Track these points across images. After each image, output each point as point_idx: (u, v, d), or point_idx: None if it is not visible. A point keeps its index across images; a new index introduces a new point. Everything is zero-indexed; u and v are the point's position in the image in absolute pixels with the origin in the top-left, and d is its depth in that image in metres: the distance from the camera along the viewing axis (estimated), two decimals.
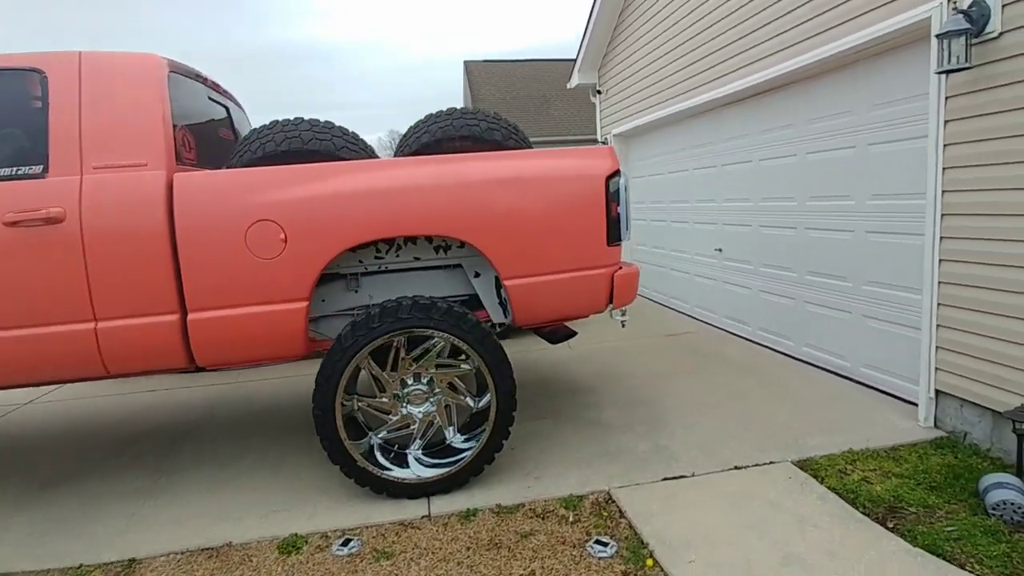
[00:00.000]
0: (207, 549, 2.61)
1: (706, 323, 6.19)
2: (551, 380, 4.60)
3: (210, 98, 3.55)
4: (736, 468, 2.99)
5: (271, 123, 3.06)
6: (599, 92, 8.64)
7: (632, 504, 2.71)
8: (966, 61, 2.92)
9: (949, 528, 2.38)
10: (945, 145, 3.10)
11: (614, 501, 2.77)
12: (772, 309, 5.04)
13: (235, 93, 4.09)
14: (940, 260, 3.13)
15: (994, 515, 2.44)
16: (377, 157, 3.20)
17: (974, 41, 2.92)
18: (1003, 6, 2.81)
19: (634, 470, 3.03)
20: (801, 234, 4.57)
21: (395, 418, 2.98)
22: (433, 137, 3.10)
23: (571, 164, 3.03)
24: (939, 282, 3.15)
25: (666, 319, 6.61)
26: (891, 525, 2.45)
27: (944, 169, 3.11)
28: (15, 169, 2.71)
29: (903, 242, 3.60)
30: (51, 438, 4.06)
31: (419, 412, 2.98)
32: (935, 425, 3.28)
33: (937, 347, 3.19)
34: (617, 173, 3.09)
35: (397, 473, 2.88)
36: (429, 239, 3.21)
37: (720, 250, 5.80)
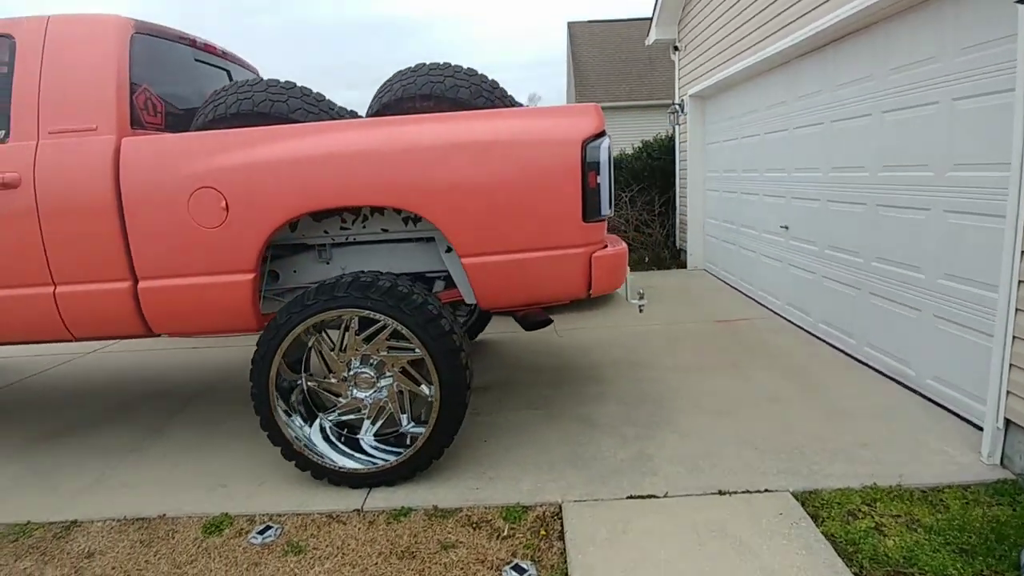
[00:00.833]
0: (141, 519, 2.59)
1: (768, 308, 5.45)
2: (567, 366, 4.22)
3: (198, 60, 3.46)
4: (720, 493, 2.50)
5: (229, 84, 2.90)
6: (677, 48, 7.80)
7: (577, 526, 2.33)
8: None
9: None
10: None
11: (560, 518, 2.41)
12: (835, 299, 4.27)
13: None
14: (1022, 252, 2.37)
15: None
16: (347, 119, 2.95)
17: None
18: None
19: (600, 482, 2.63)
20: (871, 212, 3.77)
21: (343, 401, 2.80)
22: (394, 96, 2.79)
23: (540, 125, 2.60)
24: (1019, 280, 2.39)
25: (723, 302, 5.91)
26: None
27: None
28: None
29: (986, 225, 2.80)
30: (87, 389, 4.35)
31: (366, 397, 2.76)
32: (1001, 463, 2.55)
33: (1011, 364, 2.44)
34: (599, 136, 2.62)
35: (334, 460, 2.70)
36: (398, 210, 2.94)
37: (786, 227, 5.02)
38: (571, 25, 20.61)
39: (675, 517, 2.35)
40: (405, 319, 2.52)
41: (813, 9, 4.19)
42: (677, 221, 8.15)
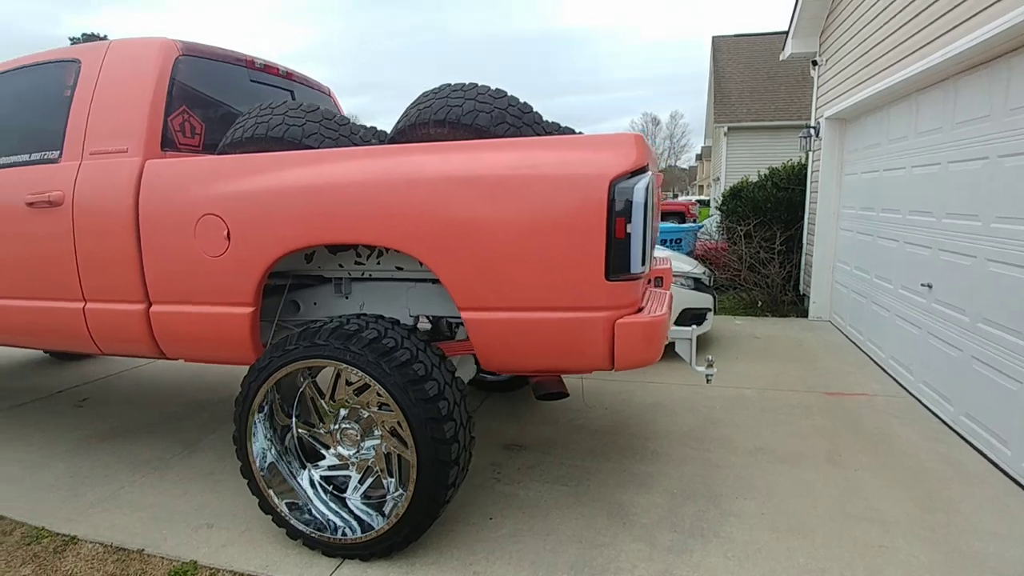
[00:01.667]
0: (122, 550, 2.51)
1: (897, 382, 4.41)
2: (621, 430, 3.66)
3: (255, 81, 3.43)
4: None
5: (253, 108, 2.79)
6: (816, 63, 6.79)
7: None
8: None
9: None
10: None
11: None
12: (989, 390, 3.27)
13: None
14: None
15: None
16: (372, 143, 2.71)
17: None
18: None
19: None
20: None
21: (330, 454, 2.53)
22: (409, 122, 2.49)
23: (561, 159, 2.14)
24: None
25: (842, 366, 4.91)
26: None
27: None
28: (43, 154, 2.89)
29: None
30: (145, 394, 4.57)
31: (351, 454, 2.48)
32: None
33: None
34: (636, 173, 2.11)
35: (300, 523, 2.42)
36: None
37: (930, 286, 4.01)
38: (715, 40, 19.39)
39: None
40: (384, 378, 2.19)
41: (986, 8, 3.27)
42: (802, 262, 7.07)
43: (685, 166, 70.39)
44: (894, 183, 4.77)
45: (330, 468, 2.56)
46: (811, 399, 4.14)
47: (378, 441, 2.42)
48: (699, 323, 5.22)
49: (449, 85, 2.52)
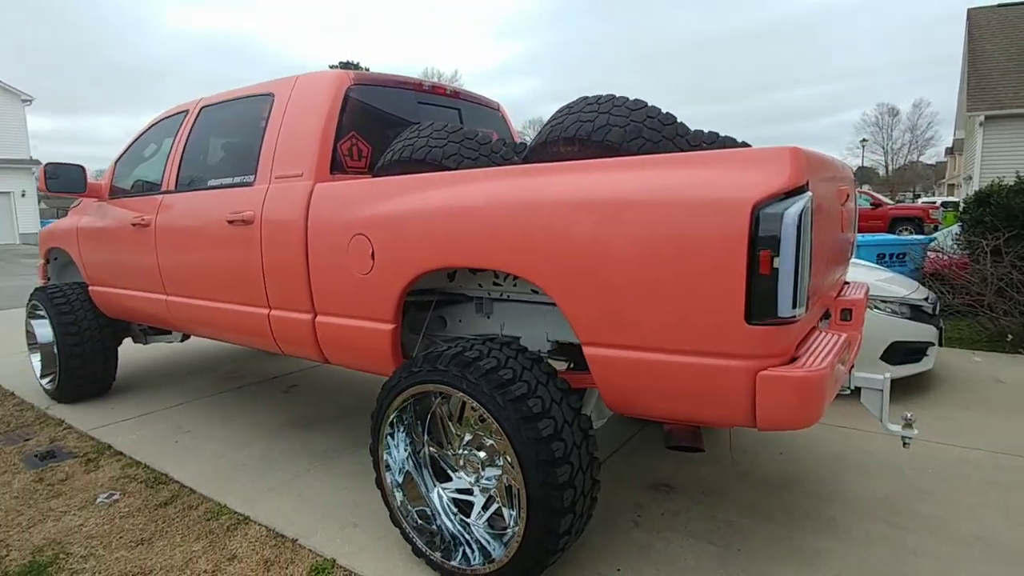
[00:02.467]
0: (281, 536, 2.79)
1: None
2: (799, 485, 3.12)
3: (422, 103, 3.60)
4: None
5: (408, 129, 2.90)
6: None
7: None
8: None
9: None
10: None
11: None
12: None
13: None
14: None
15: None
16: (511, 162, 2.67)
17: None
18: None
19: None
20: None
21: (457, 476, 2.53)
22: (540, 140, 2.37)
23: (692, 179, 1.84)
24: None
25: None
26: None
27: None
28: (243, 177, 3.35)
29: None
30: (349, 385, 5.09)
31: (470, 482, 2.44)
32: None
33: None
34: (789, 195, 1.74)
35: (423, 544, 2.44)
36: None
37: None
38: (972, 13, 16.04)
39: None
40: (498, 412, 2.10)
41: None
42: None
43: (931, 161, 60.00)
44: None
45: (457, 491, 2.56)
46: None
47: (499, 472, 2.35)
48: (915, 360, 4.29)
49: (586, 98, 2.35)
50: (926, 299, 4.53)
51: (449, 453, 2.54)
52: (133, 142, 4.37)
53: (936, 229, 14.19)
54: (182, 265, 3.66)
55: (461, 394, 2.20)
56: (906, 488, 3.05)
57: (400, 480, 2.57)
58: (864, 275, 4.20)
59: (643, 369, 1.98)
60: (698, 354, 1.87)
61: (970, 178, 14.92)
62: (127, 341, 4.95)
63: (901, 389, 4.26)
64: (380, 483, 2.57)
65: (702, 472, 3.25)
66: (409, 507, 2.54)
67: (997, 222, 6.07)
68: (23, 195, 28.40)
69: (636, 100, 2.24)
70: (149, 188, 4.03)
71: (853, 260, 4.08)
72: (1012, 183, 6.48)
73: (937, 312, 4.62)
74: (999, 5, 15.70)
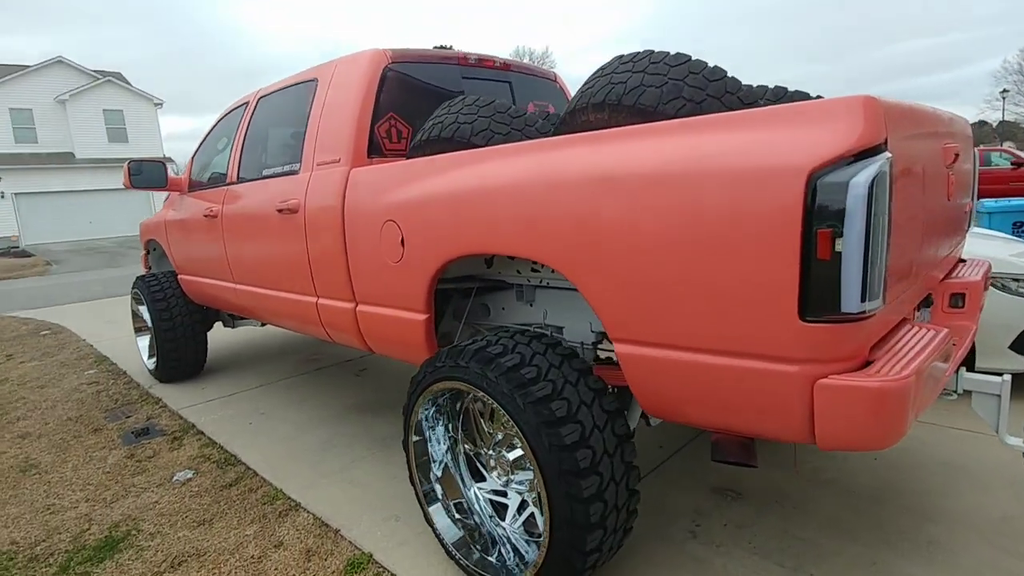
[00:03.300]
0: (325, 526, 2.78)
1: None
2: (892, 495, 2.68)
3: (467, 77, 3.40)
4: None
5: (440, 107, 2.72)
6: None
7: None
8: None
9: None
10: None
11: None
12: None
13: None
14: None
15: None
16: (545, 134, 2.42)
17: None
18: None
19: None
20: None
21: (492, 476, 2.38)
22: (570, 109, 2.09)
23: (735, 145, 1.51)
24: None
25: None
26: None
27: None
28: (291, 166, 3.34)
29: None
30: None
31: (501, 484, 2.27)
32: None
33: None
34: (860, 156, 1.37)
35: (453, 546, 2.31)
36: None
37: None
38: None
39: None
40: (518, 415, 1.90)
41: None
42: None
43: None
44: None
45: (492, 492, 2.41)
46: None
47: (531, 475, 2.17)
48: None
49: (620, 57, 2.04)
50: None
51: (483, 452, 2.39)
52: (207, 136, 4.55)
53: None
54: (244, 254, 3.75)
55: (482, 393, 2.02)
56: None
57: (440, 475, 2.46)
58: (994, 249, 3.51)
59: (678, 371, 1.70)
60: (741, 356, 1.56)
61: None
62: (218, 324, 5.25)
63: None
64: (411, 478, 2.47)
65: (776, 477, 2.88)
66: (449, 503, 2.43)
67: None
68: None
69: (678, 54, 1.90)
70: (218, 180, 4.17)
71: (976, 230, 3.42)
72: None
73: None
74: None
